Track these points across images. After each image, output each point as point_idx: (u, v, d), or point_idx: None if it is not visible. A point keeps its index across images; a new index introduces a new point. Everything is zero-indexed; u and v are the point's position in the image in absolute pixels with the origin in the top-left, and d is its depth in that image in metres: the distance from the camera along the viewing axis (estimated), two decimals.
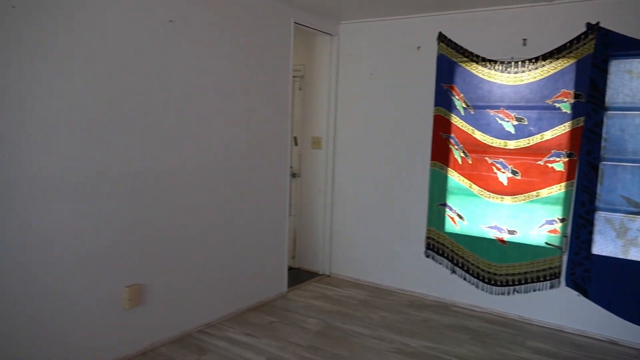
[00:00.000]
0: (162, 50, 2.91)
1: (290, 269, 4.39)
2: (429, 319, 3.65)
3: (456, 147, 3.81)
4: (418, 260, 4.09)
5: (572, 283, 3.42)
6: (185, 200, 3.15)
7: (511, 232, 3.65)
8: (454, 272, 3.92)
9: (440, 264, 3.98)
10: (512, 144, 3.59)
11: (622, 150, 3.26)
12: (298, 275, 4.57)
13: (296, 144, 4.70)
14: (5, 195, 2.28)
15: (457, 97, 3.77)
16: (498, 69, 3.59)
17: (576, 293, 3.42)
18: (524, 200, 3.58)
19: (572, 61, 3.33)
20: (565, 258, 3.45)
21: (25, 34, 2.28)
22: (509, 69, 3.55)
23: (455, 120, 3.79)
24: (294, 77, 4.07)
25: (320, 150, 4.59)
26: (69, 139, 2.50)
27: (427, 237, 4.01)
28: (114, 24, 2.64)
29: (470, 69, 3.69)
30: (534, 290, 3.59)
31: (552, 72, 3.41)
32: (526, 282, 3.61)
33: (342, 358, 2.97)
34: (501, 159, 3.65)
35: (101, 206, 2.66)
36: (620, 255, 3.29)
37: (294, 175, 4.66)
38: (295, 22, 3.92)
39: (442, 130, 3.84)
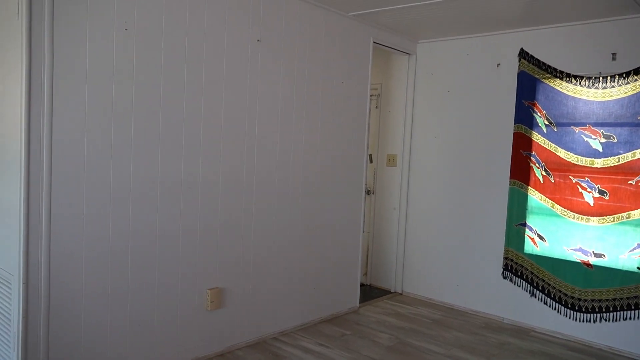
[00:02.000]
0: (250, 68, 3.11)
1: (362, 285, 4.41)
2: (506, 342, 3.52)
3: (537, 165, 3.70)
4: (495, 282, 3.98)
5: None
6: (267, 211, 3.30)
7: (598, 256, 3.46)
8: (533, 295, 3.77)
9: (518, 286, 3.84)
10: (599, 163, 3.44)
11: None
12: (370, 292, 4.58)
13: (371, 162, 4.76)
14: (121, 199, 2.55)
15: (539, 114, 3.68)
16: (584, 85, 3.47)
17: None
18: (612, 222, 3.40)
19: None
20: None
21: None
22: (596, 85, 3.42)
23: (537, 137, 3.70)
24: (371, 95, 4.17)
25: (395, 167, 4.62)
26: (169, 149, 2.73)
27: (505, 258, 3.89)
28: (208, 45, 2.88)
29: (553, 85, 3.60)
30: (624, 319, 3.37)
31: None
32: (615, 310, 3.39)
33: None
34: (587, 178, 3.49)
35: (192, 209, 2.87)
36: None
37: (368, 192, 4.72)
38: (375, 42, 4.03)
39: (522, 147, 3.75)
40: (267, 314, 3.38)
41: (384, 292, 4.60)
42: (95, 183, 2.47)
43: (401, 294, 4.57)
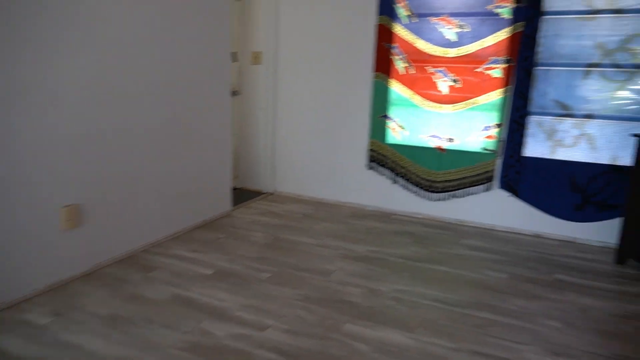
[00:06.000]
0: None
1: (234, 189, 4.35)
2: (372, 227, 3.79)
3: (399, 57, 3.80)
4: (360, 173, 4.18)
5: (505, 185, 3.65)
6: (130, 120, 2.96)
7: (450, 140, 3.78)
8: (395, 182, 4.05)
9: (382, 175, 4.09)
10: (453, 52, 3.63)
11: (555, 55, 3.39)
12: (242, 195, 4.55)
13: (235, 60, 4.50)
14: None
15: (400, 4, 3.70)
16: None
17: (508, 194, 3.66)
18: (463, 108, 3.69)
19: None
20: (499, 162, 3.65)
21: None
22: None
23: (399, 29, 3.76)
24: None
25: (260, 65, 4.43)
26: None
27: (370, 150, 4.08)
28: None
29: None
30: (470, 195, 3.80)
31: None
32: (463, 187, 3.80)
33: (290, 265, 3.05)
34: (442, 68, 3.69)
35: (39, 117, 2.45)
36: (548, 155, 3.52)
37: (234, 93, 4.50)
38: None
39: (385, 40, 3.80)
40: (135, 226, 3.17)
41: (256, 194, 4.61)
42: None
43: (273, 194, 4.63)
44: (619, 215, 3.28)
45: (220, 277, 2.85)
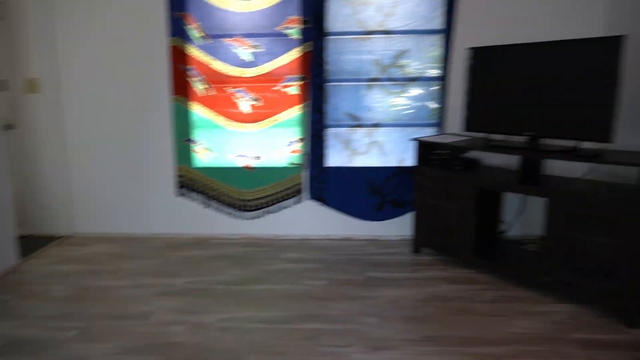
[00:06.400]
0: None
1: (21, 237, 3.72)
2: (189, 256, 3.62)
3: (197, 78, 3.72)
4: (170, 201, 3.97)
5: (314, 195, 3.85)
6: None
7: (257, 158, 3.84)
8: (208, 205, 3.94)
9: (194, 200, 3.94)
10: (250, 72, 3.70)
11: (341, 71, 3.71)
12: (32, 243, 3.90)
13: (5, 89, 3.86)
14: None
15: (192, 26, 3.63)
16: None
17: (317, 203, 3.86)
18: (266, 125, 3.78)
19: None
20: (306, 174, 3.83)
21: None
22: None
23: (193, 50, 3.68)
24: None
25: (38, 93, 3.87)
26: None
27: (178, 175, 3.90)
28: None
29: None
30: (283, 209, 3.90)
31: None
32: (276, 202, 3.89)
33: (101, 315, 2.71)
34: (242, 88, 3.73)
35: None
36: (347, 164, 3.82)
37: (7, 127, 3.85)
38: None
39: (180, 62, 3.68)
40: None
41: (51, 239, 4.01)
42: None
43: (72, 237, 4.08)
44: (411, 210, 3.72)
45: (11, 350, 2.38)
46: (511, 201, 3.63)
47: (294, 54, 3.64)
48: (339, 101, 3.74)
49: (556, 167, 3.14)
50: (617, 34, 2.59)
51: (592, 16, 3.42)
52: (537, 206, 3.51)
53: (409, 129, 3.75)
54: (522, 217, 3.67)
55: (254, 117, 3.77)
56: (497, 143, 3.11)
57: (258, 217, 3.95)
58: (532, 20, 3.47)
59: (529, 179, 2.93)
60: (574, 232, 2.67)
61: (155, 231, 4.06)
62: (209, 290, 3.02)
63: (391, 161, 3.80)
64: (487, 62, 3.15)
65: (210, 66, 3.69)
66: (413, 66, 3.66)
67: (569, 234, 2.69)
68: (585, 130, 2.71)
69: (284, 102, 3.73)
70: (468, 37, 3.49)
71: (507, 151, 2.95)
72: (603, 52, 2.61)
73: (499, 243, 3.48)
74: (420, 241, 3.54)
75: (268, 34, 3.63)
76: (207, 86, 3.73)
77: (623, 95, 2.95)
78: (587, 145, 2.80)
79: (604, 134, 2.61)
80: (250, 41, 3.65)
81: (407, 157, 3.77)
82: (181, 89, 3.73)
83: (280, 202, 3.89)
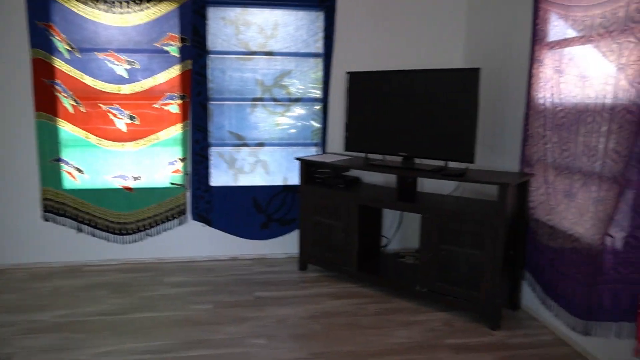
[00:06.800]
0: None
1: None
2: (59, 287, 3.30)
3: (64, 94, 3.44)
4: (36, 227, 3.59)
5: (198, 216, 3.74)
6: None
7: (136, 179, 3.64)
8: (80, 230, 3.64)
9: (63, 225, 3.61)
10: (126, 89, 3.51)
11: (225, 90, 3.68)
12: None
13: None
14: None
15: (58, 37, 3.35)
16: (102, 9, 3.37)
17: (201, 224, 3.76)
18: (145, 144, 3.60)
19: (175, 6, 3.45)
20: (189, 194, 3.71)
21: None
22: (113, 9, 3.38)
23: (60, 64, 3.40)
24: None
25: None
26: None
27: (44, 199, 3.55)
28: None
29: (69, 6, 3.33)
30: (165, 231, 3.74)
31: (157, 15, 3.45)
32: (157, 224, 3.71)
33: None
34: (117, 105, 3.52)
35: None
36: (232, 183, 3.79)
37: None
38: None
39: (44, 75, 3.38)
40: None
41: None
42: None
43: None
44: (297, 228, 3.78)
45: None
46: (391, 217, 3.87)
47: (174, 71, 3.53)
48: (222, 120, 3.70)
49: (429, 185, 3.42)
50: (474, 66, 2.92)
51: (453, 49, 3.81)
52: (414, 221, 3.78)
53: (293, 148, 3.82)
54: (400, 231, 3.92)
55: (132, 136, 3.57)
56: (376, 162, 3.31)
57: (138, 240, 3.73)
58: (402, 50, 3.77)
59: (405, 196, 3.16)
60: (445, 244, 2.92)
61: (18, 261, 3.64)
62: (83, 323, 2.78)
63: (276, 180, 3.85)
64: (363, 86, 3.34)
65: (81, 81, 3.43)
66: (296, 87, 3.75)
67: (441, 246, 2.93)
68: (451, 151, 2.99)
69: (164, 121, 3.59)
70: (347, 61, 3.69)
71: (384, 170, 3.15)
72: (462, 81, 2.92)
73: (380, 257, 3.68)
74: (306, 258, 3.61)
75: (145, 50, 3.48)
76: (76, 102, 3.47)
77: (483, 121, 3.32)
78: (453, 165, 3.10)
79: (467, 155, 2.91)
80: (125, 57, 3.47)
81: (291, 176, 3.84)
82: (46, 105, 3.42)
83: (162, 223, 3.72)
